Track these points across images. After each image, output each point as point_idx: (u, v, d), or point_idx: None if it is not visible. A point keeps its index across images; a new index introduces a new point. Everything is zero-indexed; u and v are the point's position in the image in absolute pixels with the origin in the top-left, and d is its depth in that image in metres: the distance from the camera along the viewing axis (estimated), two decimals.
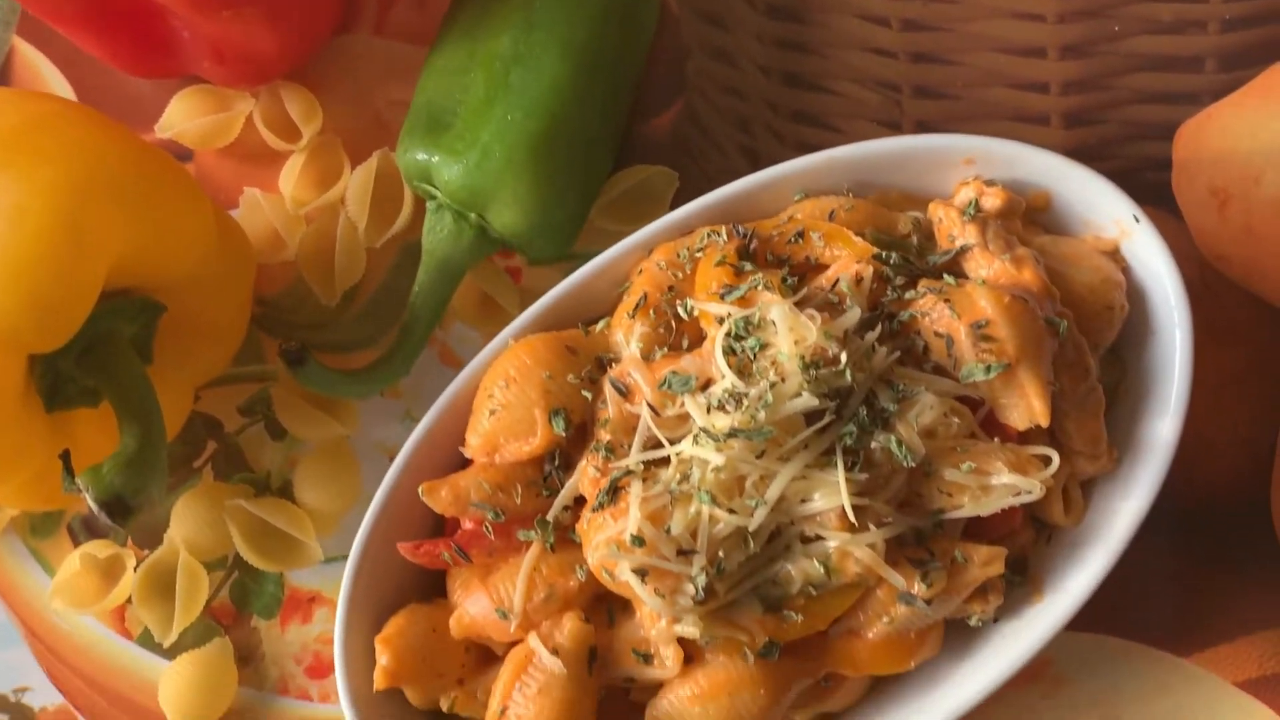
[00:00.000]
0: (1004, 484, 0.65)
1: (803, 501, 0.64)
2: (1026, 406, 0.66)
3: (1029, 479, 0.65)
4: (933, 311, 0.67)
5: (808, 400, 0.63)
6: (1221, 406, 0.80)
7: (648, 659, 0.66)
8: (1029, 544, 0.72)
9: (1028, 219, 0.74)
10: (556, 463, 0.69)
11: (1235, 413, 0.80)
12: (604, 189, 0.81)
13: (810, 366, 0.64)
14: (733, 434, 0.63)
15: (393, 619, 0.69)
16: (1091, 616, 0.78)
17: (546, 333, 0.70)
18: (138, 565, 0.78)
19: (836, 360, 0.64)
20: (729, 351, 0.66)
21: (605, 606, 0.68)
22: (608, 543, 0.63)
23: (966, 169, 0.74)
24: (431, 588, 0.72)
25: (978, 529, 0.68)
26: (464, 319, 0.81)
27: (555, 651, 0.65)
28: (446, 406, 0.71)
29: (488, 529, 0.68)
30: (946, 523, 0.67)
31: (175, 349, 0.74)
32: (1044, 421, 0.66)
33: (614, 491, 0.65)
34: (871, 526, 0.64)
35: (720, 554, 0.63)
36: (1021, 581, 0.71)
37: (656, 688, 0.67)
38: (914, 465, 0.64)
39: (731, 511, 0.63)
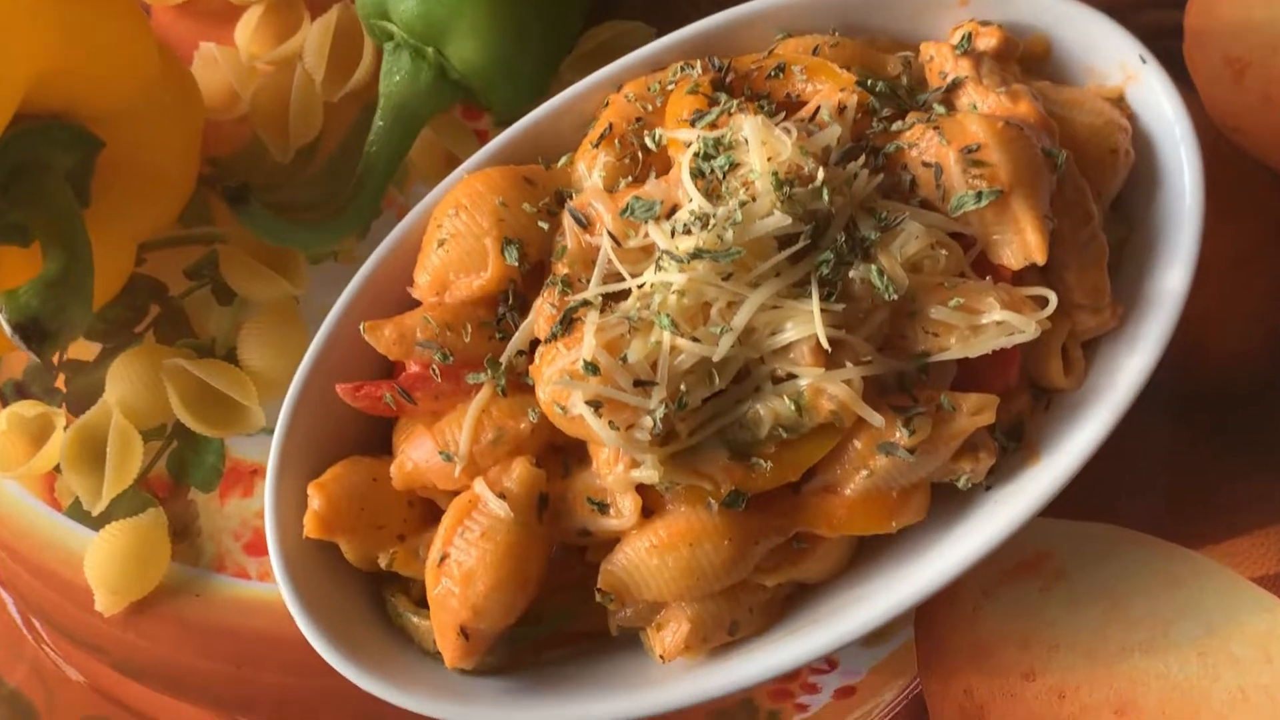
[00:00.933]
0: (996, 322, 0.59)
1: (773, 334, 0.58)
2: (1021, 242, 0.61)
3: (1024, 317, 0.59)
4: (921, 141, 0.62)
5: (780, 219, 0.58)
6: (1236, 283, 0.74)
7: (603, 508, 0.61)
8: (1026, 410, 0.66)
9: (1026, 68, 0.69)
10: (511, 304, 0.64)
11: (1251, 290, 0.74)
12: (576, 44, 0.76)
13: (784, 185, 0.58)
14: (697, 255, 0.57)
15: (331, 468, 0.64)
16: (1096, 505, 0.72)
17: (504, 165, 0.65)
18: (68, 427, 0.73)
19: (813, 179, 0.59)
20: (697, 174, 0.60)
21: (561, 458, 0.63)
22: (560, 373, 0.58)
23: (961, 11, 0.69)
24: (376, 445, 0.67)
25: (969, 386, 0.63)
26: (426, 178, 0.77)
27: (503, 496, 0.60)
28: (396, 245, 0.66)
29: (434, 371, 0.63)
30: (932, 369, 0.61)
31: (117, 194, 0.70)
32: (1040, 257, 0.61)
33: (569, 323, 0.60)
34: (848, 364, 0.58)
35: (682, 388, 0.58)
36: (1016, 448, 0.65)
37: (613, 545, 0.61)
38: (896, 298, 0.59)
39: (695, 340, 0.57)
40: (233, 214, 0.67)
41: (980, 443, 0.62)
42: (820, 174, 0.59)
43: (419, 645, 0.64)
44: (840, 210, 0.59)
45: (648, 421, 0.57)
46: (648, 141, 0.64)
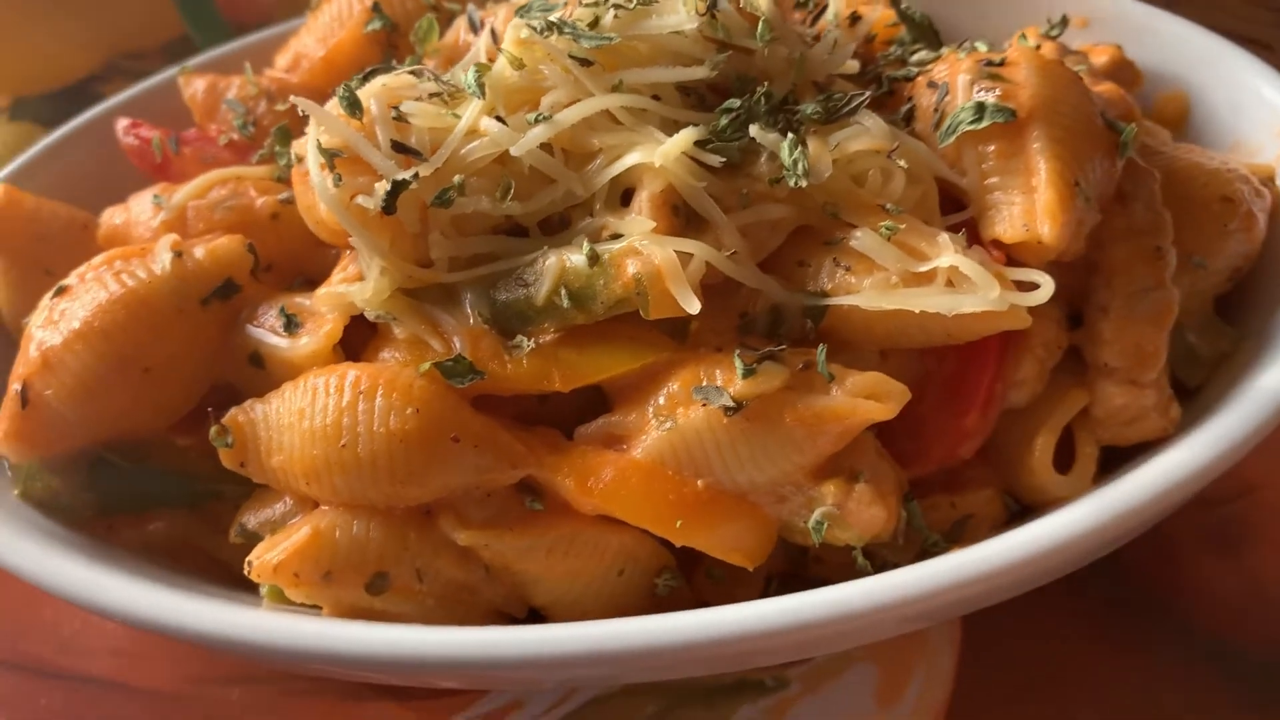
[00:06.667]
0: (945, 267, 0.37)
1: (611, 162, 0.40)
2: (1027, 206, 0.40)
3: (990, 276, 0.37)
4: (937, 67, 0.44)
5: (683, 20, 0.41)
6: None
7: (292, 325, 0.41)
8: (984, 513, 0.41)
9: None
10: None
11: None
12: None
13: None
14: (555, 27, 0.41)
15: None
16: None
17: None
18: None
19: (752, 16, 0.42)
20: None
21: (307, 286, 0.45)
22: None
23: (1081, 32, 0.52)
24: None
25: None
26: None
27: (179, 255, 0.42)
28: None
29: (222, 136, 0.48)
30: (828, 322, 0.39)
31: None
32: (1050, 229, 0.39)
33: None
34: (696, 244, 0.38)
35: (456, 180, 0.39)
36: (943, 548, 0.40)
37: None
38: (805, 184, 0.39)
39: (500, 121, 0.40)
40: None
41: (869, 469, 0.38)
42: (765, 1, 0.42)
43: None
44: (778, 68, 0.42)
45: (381, 188, 0.39)
46: None
